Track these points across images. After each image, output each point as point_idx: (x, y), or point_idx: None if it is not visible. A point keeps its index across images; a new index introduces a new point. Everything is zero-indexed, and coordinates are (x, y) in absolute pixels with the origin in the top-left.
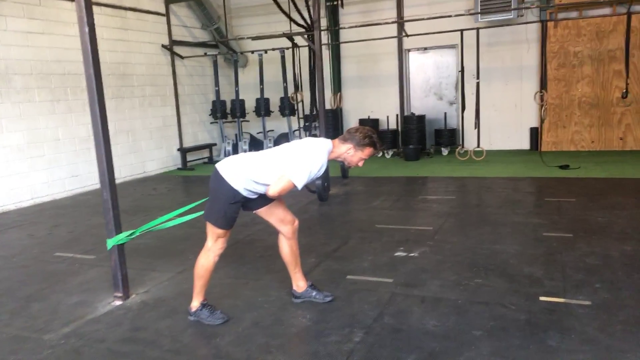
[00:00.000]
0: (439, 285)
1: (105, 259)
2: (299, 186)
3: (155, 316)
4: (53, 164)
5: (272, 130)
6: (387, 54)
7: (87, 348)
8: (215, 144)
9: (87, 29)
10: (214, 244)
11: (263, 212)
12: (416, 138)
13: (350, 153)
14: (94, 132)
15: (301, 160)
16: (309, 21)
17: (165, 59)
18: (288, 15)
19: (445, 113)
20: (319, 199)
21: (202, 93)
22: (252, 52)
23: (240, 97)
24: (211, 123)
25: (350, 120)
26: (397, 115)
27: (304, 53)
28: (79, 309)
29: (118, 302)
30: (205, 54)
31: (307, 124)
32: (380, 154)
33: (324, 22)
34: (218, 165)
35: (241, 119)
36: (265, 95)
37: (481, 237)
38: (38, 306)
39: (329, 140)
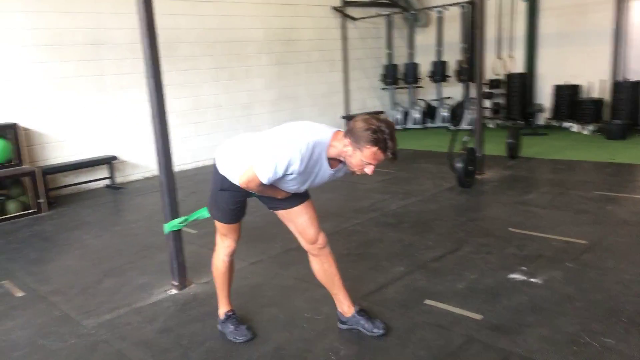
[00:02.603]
0: (544, 337)
1: (206, 236)
2: (264, 181)
3: (192, 316)
4: (215, 129)
5: (450, 98)
6: (599, 4)
7: (104, 345)
8: (382, 112)
9: None
10: (220, 243)
11: (282, 215)
12: (627, 111)
13: (349, 152)
14: (152, 112)
15: (268, 150)
16: None
17: (335, 21)
18: None
19: None
20: (459, 184)
21: (375, 57)
22: (430, 8)
23: (416, 61)
24: (382, 89)
25: (544, 87)
26: (604, 81)
27: (492, 10)
28: (135, 294)
29: (173, 291)
30: (378, 14)
31: (487, 91)
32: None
33: None
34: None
35: (414, 85)
36: (444, 58)
37: None
38: (108, 283)
39: (328, 130)
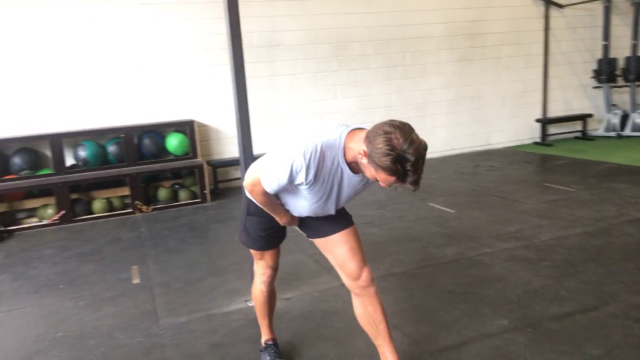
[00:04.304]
0: None
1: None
2: (266, 189)
3: (249, 336)
4: None
5: None
6: None
7: (157, 350)
8: (591, 115)
9: None
10: (256, 269)
11: (320, 245)
12: None
13: (364, 161)
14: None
15: (274, 155)
16: None
17: (536, 10)
18: None
19: None
20: None
21: (587, 50)
22: None
23: None
24: (593, 88)
25: None
26: None
27: None
28: (219, 299)
29: (251, 303)
30: None
31: None
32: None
33: None
34: None
35: (637, 83)
36: None
37: None
38: (208, 282)
39: (342, 129)
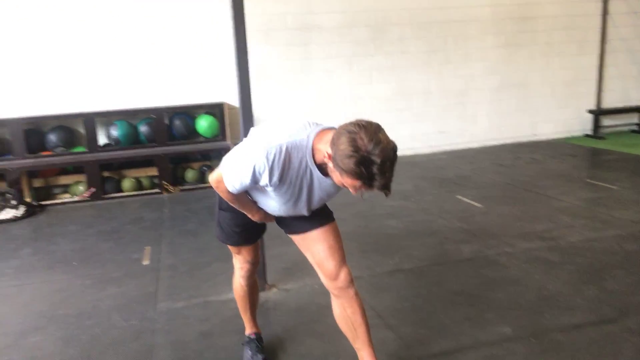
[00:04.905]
0: None
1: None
2: (229, 189)
3: (238, 327)
4: (420, 117)
5: None
6: None
7: (146, 336)
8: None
9: None
10: (235, 263)
11: (297, 242)
12: None
13: (330, 165)
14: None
15: (237, 153)
16: None
17: None
18: None
19: None
20: None
21: None
22: None
23: None
24: None
25: None
26: None
27: None
28: (220, 286)
29: None
30: None
31: None
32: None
33: None
34: None
35: None
36: None
37: None
38: (213, 267)
39: (311, 129)
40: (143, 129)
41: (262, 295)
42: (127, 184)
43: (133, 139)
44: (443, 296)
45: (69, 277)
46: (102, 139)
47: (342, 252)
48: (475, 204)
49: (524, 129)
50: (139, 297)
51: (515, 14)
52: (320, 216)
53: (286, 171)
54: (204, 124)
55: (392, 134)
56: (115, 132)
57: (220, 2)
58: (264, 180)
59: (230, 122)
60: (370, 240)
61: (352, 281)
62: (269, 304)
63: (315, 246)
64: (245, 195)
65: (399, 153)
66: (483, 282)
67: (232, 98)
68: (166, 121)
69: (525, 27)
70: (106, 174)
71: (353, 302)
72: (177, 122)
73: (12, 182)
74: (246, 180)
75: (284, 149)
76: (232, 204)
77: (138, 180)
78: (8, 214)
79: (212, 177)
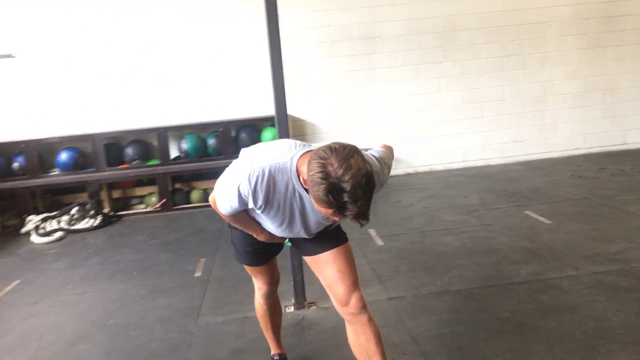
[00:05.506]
0: None
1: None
2: (221, 210)
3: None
4: (493, 126)
5: None
6: None
7: (182, 350)
8: None
9: None
10: (254, 281)
11: (310, 262)
12: None
13: (309, 190)
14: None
15: (227, 174)
16: None
17: None
18: None
19: None
20: None
21: None
22: None
23: None
24: None
25: None
26: None
27: None
28: None
29: (289, 309)
30: None
31: None
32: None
33: None
34: None
35: None
36: None
37: None
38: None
39: (295, 151)
40: (211, 141)
41: (300, 313)
42: (195, 195)
43: (202, 152)
44: (489, 322)
45: (126, 286)
46: (173, 152)
47: (354, 276)
48: (544, 220)
49: (612, 138)
50: (184, 309)
51: (600, 12)
52: (331, 238)
53: (272, 194)
54: (269, 136)
55: (461, 144)
56: (185, 145)
57: (282, 19)
58: (250, 203)
59: (297, 134)
60: (422, 258)
61: (364, 307)
62: (305, 322)
63: (326, 269)
64: (246, 216)
65: (469, 164)
66: (537, 309)
67: (298, 110)
68: (233, 134)
69: (612, 26)
70: (178, 185)
71: (367, 329)
72: (244, 135)
73: (92, 193)
74: (234, 203)
75: (266, 172)
76: (233, 224)
77: (206, 192)
78: (87, 223)
79: (210, 199)
